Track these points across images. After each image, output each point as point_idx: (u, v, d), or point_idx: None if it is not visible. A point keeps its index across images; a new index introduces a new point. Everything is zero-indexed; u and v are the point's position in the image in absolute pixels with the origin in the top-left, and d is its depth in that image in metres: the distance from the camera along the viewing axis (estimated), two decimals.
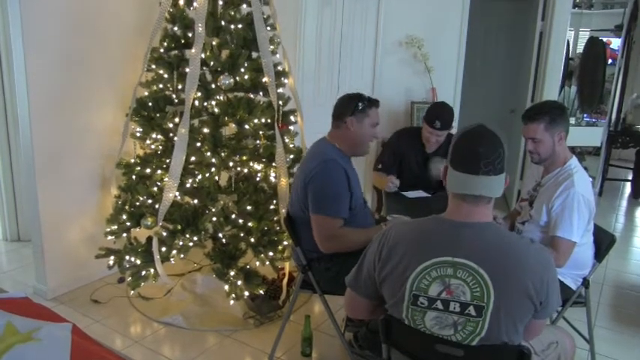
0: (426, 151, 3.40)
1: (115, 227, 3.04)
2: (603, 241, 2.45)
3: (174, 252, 2.88)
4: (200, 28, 2.84)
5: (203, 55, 2.88)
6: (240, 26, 2.96)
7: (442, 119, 3.20)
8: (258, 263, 2.94)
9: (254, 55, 3.01)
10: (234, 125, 2.98)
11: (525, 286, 1.43)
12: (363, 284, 1.67)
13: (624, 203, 5.99)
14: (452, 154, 1.52)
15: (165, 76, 3.02)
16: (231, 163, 2.95)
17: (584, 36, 6.93)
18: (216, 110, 2.94)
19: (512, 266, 1.44)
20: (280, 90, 3.09)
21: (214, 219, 2.86)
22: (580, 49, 6.94)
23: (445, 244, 1.48)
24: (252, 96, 3.02)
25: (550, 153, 2.34)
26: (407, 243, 1.53)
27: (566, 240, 2.22)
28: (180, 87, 2.98)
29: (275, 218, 3.01)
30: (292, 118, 3.16)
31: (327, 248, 2.35)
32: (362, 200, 2.49)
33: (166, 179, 2.86)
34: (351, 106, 2.41)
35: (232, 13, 2.99)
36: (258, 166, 3.05)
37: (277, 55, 3.17)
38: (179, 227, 2.87)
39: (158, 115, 3.00)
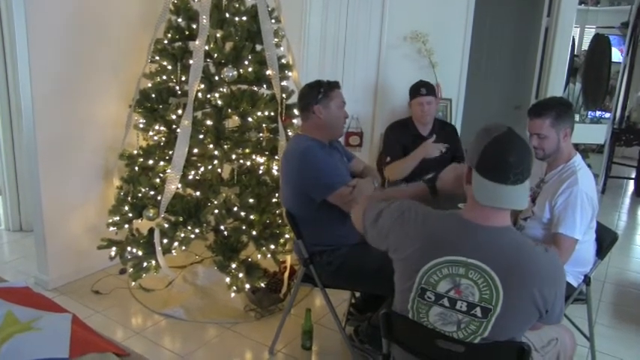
0: (421, 133, 3.48)
1: (117, 218, 3.05)
2: (605, 239, 2.45)
3: (176, 244, 2.88)
4: (204, 20, 2.83)
5: (207, 47, 2.87)
6: (244, 18, 2.95)
7: (425, 86, 3.43)
8: (259, 256, 2.95)
9: (258, 47, 3.01)
10: (237, 118, 2.98)
11: (534, 295, 1.42)
12: (373, 241, 1.70)
13: (627, 201, 5.98)
14: (479, 159, 1.45)
15: (169, 67, 3.01)
16: (233, 156, 2.94)
17: (590, 33, 6.88)
18: (219, 102, 2.93)
19: (524, 273, 1.43)
20: (284, 83, 3.08)
21: (216, 211, 2.86)
22: (585, 46, 6.90)
23: (460, 244, 1.47)
24: (255, 89, 3.02)
25: (555, 149, 2.33)
26: (423, 237, 1.53)
27: (569, 237, 2.21)
28: (183, 79, 2.98)
29: (277, 211, 3.01)
30: (295, 111, 3.14)
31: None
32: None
33: (169, 171, 2.86)
34: (314, 95, 2.45)
35: (237, 5, 2.97)
36: (260, 159, 3.05)
37: (281, 48, 3.16)
38: (181, 219, 2.88)
39: (161, 106, 3.00)
